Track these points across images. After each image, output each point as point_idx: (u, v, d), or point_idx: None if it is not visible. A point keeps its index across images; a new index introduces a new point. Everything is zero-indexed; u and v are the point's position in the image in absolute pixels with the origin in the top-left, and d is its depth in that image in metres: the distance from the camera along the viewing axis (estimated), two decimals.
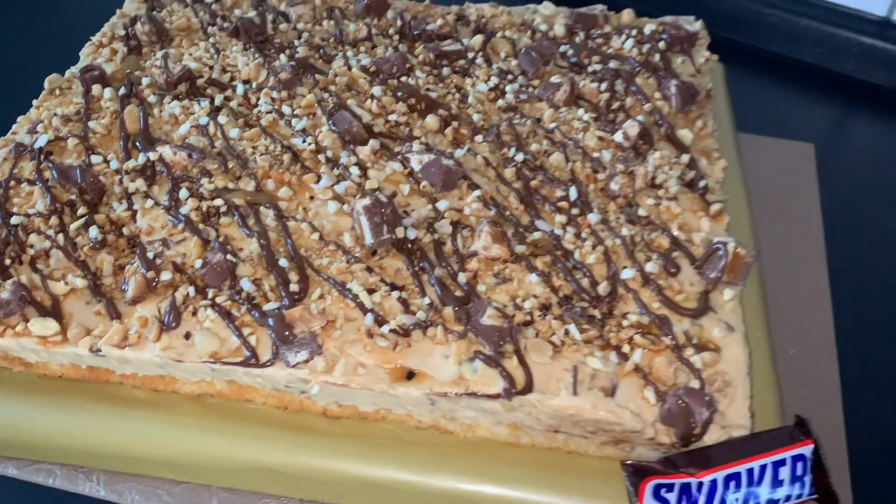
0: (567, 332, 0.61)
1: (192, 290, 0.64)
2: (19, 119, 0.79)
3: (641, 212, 0.70)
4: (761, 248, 0.80)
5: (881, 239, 0.88)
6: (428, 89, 0.82)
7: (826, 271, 0.81)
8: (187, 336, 0.62)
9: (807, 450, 0.57)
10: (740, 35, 1.10)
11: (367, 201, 0.66)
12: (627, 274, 0.65)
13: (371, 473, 0.62)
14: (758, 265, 0.75)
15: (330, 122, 0.76)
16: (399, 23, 0.91)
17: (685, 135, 0.78)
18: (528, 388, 0.59)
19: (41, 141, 0.74)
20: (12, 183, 0.72)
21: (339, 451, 0.62)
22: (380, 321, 0.62)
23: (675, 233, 0.69)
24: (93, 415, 0.64)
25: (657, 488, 0.55)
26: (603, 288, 0.64)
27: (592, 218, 0.69)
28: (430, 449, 0.62)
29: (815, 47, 1.07)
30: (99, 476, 0.65)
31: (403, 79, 0.83)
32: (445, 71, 0.85)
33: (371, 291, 0.63)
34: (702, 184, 0.73)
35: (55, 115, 0.78)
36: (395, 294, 0.63)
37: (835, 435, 0.68)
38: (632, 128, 0.76)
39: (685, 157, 0.76)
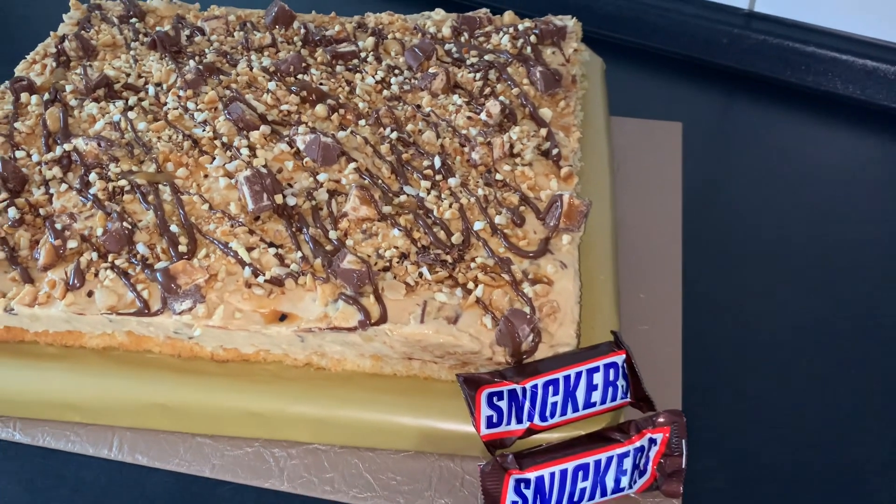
0: (421, 275, 0.70)
1: (94, 255, 0.73)
2: None
3: (498, 177, 0.80)
4: (623, 211, 0.89)
5: (734, 208, 0.97)
6: (321, 84, 0.92)
7: (679, 230, 0.90)
8: (90, 294, 0.71)
9: (619, 359, 0.65)
10: (625, 34, 1.21)
11: (247, 173, 0.75)
12: (478, 225, 0.74)
13: (253, 406, 0.70)
14: (612, 222, 0.84)
15: (225, 111, 0.85)
16: (303, 31, 1.01)
17: (545, 112, 0.88)
18: (382, 319, 0.67)
19: None
20: None
21: (225, 388, 0.70)
22: (257, 273, 0.71)
23: (525, 191, 0.78)
24: (9, 369, 0.72)
25: (490, 396, 0.63)
26: (456, 238, 0.73)
27: (452, 181, 0.78)
28: (305, 383, 0.71)
29: (692, 40, 1.17)
30: (15, 423, 0.73)
31: (300, 76, 0.93)
32: (339, 69, 0.95)
33: (251, 249, 0.72)
34: (555, 152, 0.83)
35: None
36: (273, 251, 0.72)
37: (672, 362, 0.77)
38: (494, 106, 0.86)
39: (543, 131, 0.85)
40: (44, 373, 0.72)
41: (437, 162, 0.80)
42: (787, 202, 0.98)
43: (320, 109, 0.87)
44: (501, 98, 0.87)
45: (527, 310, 0.68)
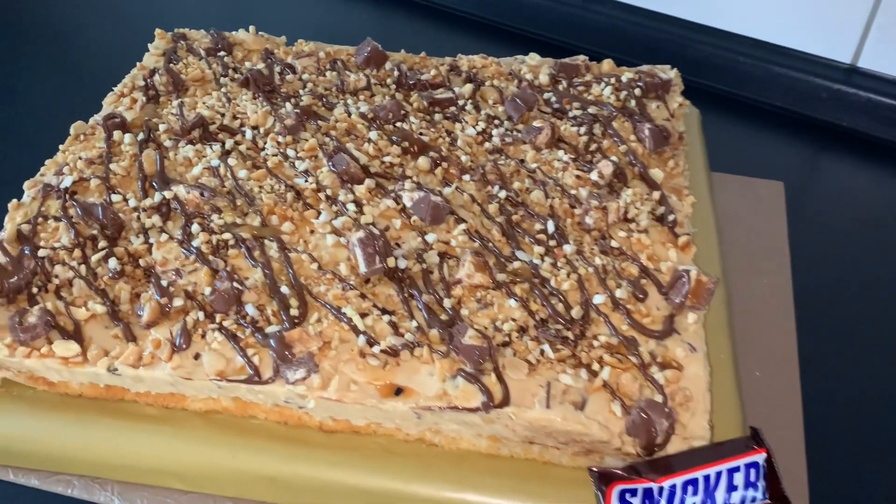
0: (542, 352, 0.67)
1: (201, 314, 0.70)
2: (47, 162, 0.86)
3: (614, 243, 0.77)
4: (731, 279, 0.86)
5: (845, 270, 0.94)
6: (421, 133, 0.89)
7: (791, 301, 0.86)
8: (196, 356, 0.68)
9: (760, 458, 0.62)
10: (717, 81, 1.18)
11: (361, 234, 0.73)
12: (599, 299, 0.71)
13: (362, 482, 0.67)
14: (725, 293, 0.81)
15: (329, 163, 0.83)
16: (396, 73, 0.99)
17: (657, 173, 0.85)
18: (505, 401, 0.64)
19: (66, 181, 0.82)
20: (40, 220, 0.79)
21: (334, 462, 0.68)
22: (371, 342, 0.68)
23: (644, 262, 0.75)
24: (108, 430, 0.70)
25: (622, 493, 0.60)
26: (576, 312, 0.70)
27: (568, 249, 0.75)
28: (417, 460, 0.68)
29: (787, 92, 1.14)
30: (113, 486, 0.70)
31: (399, 124, 0.90)
32: (437, 117, 0.92)
33: (364, 315, 0.70)
34: (671, 218, 0.80)
35: (79, 158, 0.85)
36: (386, 318, 0.70)
37: (795, 449, 0.73)
38: (606, 167, 0.83)
39: (656, 194, 0.82)
40: (144, 436, 0.70)
41: (551, 226, 0.77)
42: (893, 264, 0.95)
43: (423, 162, 0.84)
44: (613, 158, 0.84)
45: (658, 398, 0.65)
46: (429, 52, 1.05)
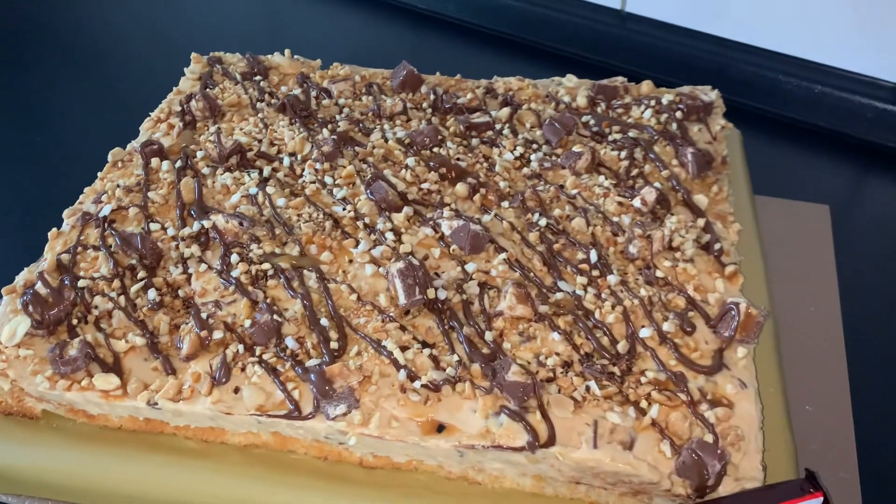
0: (588, 389, 0.66)
1: (241, 347, 0.69)
2: (86, 190, 0.86)
3: (659, 273, 0.75)
4: (778, 308, 0.83)
5: (891, 299, 0.91)
6: (458, 159, 0.88)
7: (841, 330, 0.84)
8: (236, 390, 0.67)
9: (816, 502, 0.60)
10: (758, 101, 1.15)
11: (400, 265, 0.72)
12: (645, 333, 0.69)
13: None
14: (773, 324, 0.78)
15: (368, 191, 0.82)
16: (432, 97, 0.98)
17: (701, 200, 0.83)
18: (551, 441, 0.63)
19: (105, 210, 0.81)
20: (79, 249, 0.79)
21: (374, 500, 0.66)
22: (412, 377, 0.67)
23: (691, 293, 0.73)
24: (148, 464, 0.69)
25: None
26: (622, 346, 0.68)
27: (612, 279, 0.74)
28: (459, 499, 0.66)
29: (831, 112, 1.11)
30: None
31: (436, 149, 0.89)
32: (475, 142, 0.91)
33: (404, 349, 0.68)
34: (717, 246, 0.78)
35: (118, 186, 0.85)
36: (427, 351, 0.68)
37: (850, 489, 0.70)
38: (649, 194, 0.81)
39: (701, 221, 0.80)
40: (183, 470, 0.69)
41: (594, 256, 0.76)
42: None
43: (461, 189, 0.83)
44: (657, 185, 0.82)
45: (709, 437, 0.63)
46: (464, 73, 1.04)
